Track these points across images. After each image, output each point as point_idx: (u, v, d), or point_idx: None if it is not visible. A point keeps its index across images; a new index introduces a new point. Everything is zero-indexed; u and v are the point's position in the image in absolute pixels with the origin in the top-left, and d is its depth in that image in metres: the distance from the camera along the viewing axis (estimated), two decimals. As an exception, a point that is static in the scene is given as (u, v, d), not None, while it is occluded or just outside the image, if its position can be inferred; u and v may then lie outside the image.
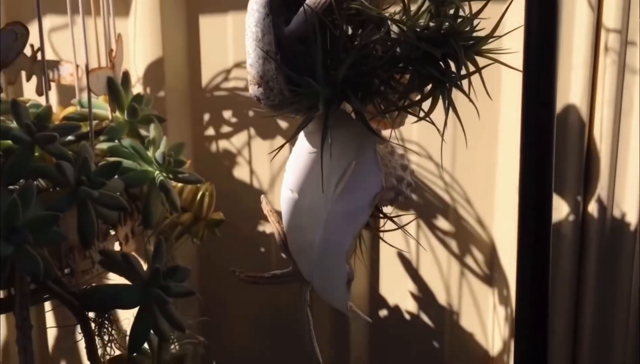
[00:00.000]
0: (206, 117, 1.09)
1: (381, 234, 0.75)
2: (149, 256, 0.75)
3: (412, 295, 1.10)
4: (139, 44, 1.04)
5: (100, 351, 0.64)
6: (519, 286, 0.66)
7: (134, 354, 0.60)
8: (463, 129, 0.64)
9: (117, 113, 0.72)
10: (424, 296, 1.10)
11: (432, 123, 0.63)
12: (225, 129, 1.09)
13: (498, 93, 0.98)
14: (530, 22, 0.59)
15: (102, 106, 0.73)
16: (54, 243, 0.56)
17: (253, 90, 0.63)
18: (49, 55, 0.94)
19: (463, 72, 0.62)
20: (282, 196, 0.72)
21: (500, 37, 0.62)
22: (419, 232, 1.07)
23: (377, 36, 0.59)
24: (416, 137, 1.02)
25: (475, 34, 0.62)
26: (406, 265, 1.09)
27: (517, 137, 0.66)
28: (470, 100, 0.62)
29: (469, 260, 1.07)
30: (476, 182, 1.04)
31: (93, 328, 0.63)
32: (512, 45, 0.65)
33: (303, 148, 0.69)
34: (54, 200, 0.57)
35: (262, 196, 0.77)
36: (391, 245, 0.84)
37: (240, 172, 1.09)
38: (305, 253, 0.70)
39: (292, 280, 0.74)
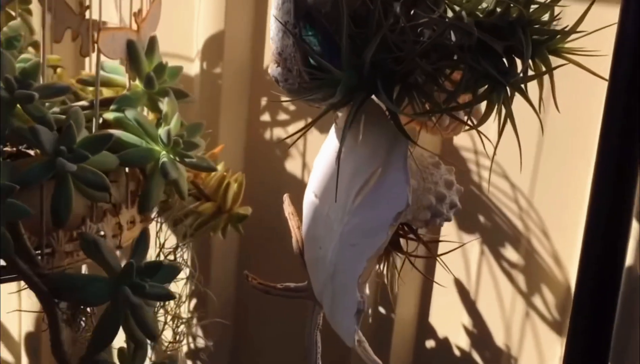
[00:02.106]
0: (264, 101, 1.00)
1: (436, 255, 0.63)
2: (162, 245, 0.67)
3: (466, 329, 0.96)
4: (202, 14, 0.96)
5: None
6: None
7: (95, 357, 0.51)
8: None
9: (138, 82, 0.64)
10: (480, 333, 0.96)
11: (480, 133, 0.50)
12: (283, 116, 0.99)
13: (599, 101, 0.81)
14: (625, 20, 0.45)
15: (122, 72, 0.65)
16: (9, 218, 0.48)
17: (272, 70, 0.52)
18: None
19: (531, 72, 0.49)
20: (305, 200, 0.62)
21: (587, 33, 0.48)
22: (481, 260, 0.93)
23: (424, 18, 0.47)
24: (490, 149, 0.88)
25: (553, 27, 0.48)
26: (463, 294, 0.96)
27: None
28: (535, 110, 0.49)
29: (537, 301, 0.92)
30: (559, 210, 0.88)
31: (64, 318, 0.56)
32: (601, 46, 0.51)
33: (331, 146, 0.58)
34: (25, 170, 0.50)
35: (285, 195, 0.67)
36: (446, 268, 0.71)
37: (292, 165, 0.99)
38: (317, 269, 0.59)
39: (305, 296, 0.64)
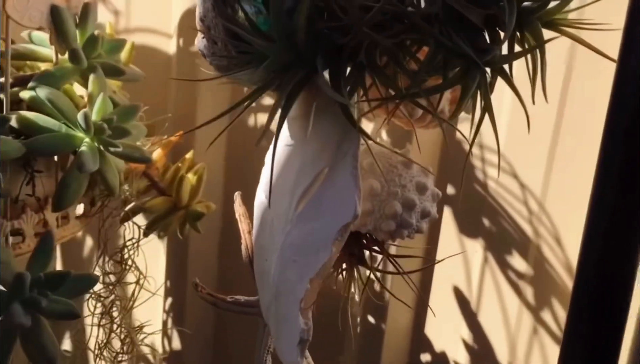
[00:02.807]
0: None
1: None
2: (102, 244, 0.58)
3: (465, 343, 0.85)
4: (181, -16, 0.86)
5: None
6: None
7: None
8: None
9: (66, 56, 0.54)
10: (481, 348, 0.85)
11: (456, 128, 0.39)
12: (269, 101, 0.89)
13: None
14: None
15: (47, 44, 0.56)
16: None
17: (197, 41, 0.42)
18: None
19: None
20: (255, 200, 0.52)
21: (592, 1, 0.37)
22: (484, 268, 0.82)
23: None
24: (502, 144, 0.76)
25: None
26: (463, 305, 0.85)
27: None
28: (521, 102, 0.38)
29: (546, 316, 0.81)
30: (573, 215, 0.76)
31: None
32: (612, 18, 0.39)
33: (282, 139, 0.48)
34: None
35: (237, 193, 0.57)
36: (412, 286, 0.60)
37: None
38: (264, 284, 0.49)
39: (255, 312, 0.54)
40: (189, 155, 0.69)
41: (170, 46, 0.87)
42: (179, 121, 0.80)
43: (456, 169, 0.79)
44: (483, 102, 0.38)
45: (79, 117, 0.48)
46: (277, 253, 0.45)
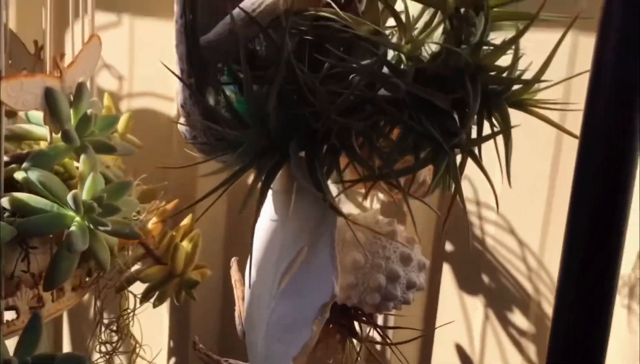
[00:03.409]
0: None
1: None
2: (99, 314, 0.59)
3: (469, 404, 0.84)
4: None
5: None
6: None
7: None
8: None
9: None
10: (486, 407, 0.84)
11: (428, 205, 0.40)
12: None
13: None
14: (599, 66, 0.34)
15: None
16: None
17: (180, 126, 0.44)
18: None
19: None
20: (246, 270, 0.53)
21: (555, 83, 0.38)
22: (485, 326, 0.81)
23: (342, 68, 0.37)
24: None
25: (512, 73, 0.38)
26: (466, 363, 0.84)
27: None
28: (489, 180, 0.38)
29: (551, 375, 0.80)
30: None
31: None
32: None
33: (267, 213, 0.49)
34: None
35: (233, 259, 0.58)
36: (402, 359, 0.60)
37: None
38: (253, 355, 0.49)
39: (246, 382, 0.54)
40: (185, 221, 0.70)
41: (172, 109, 0.89)
42: (180, 186, 0.81)
43: (454, 227, 0.79)
44: (453, 184, 0.38)
45: (69, 197, 0.50)
46: (263, 328, 0.45)
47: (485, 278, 0.81)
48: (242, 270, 0.62)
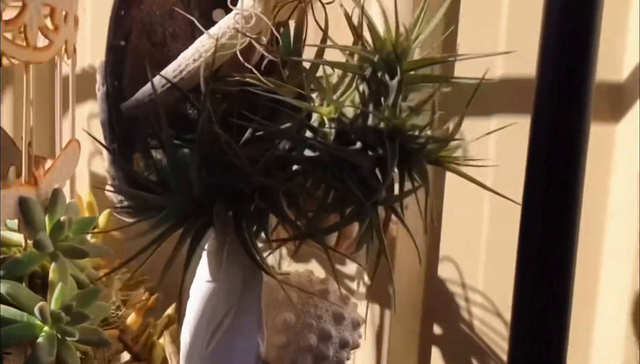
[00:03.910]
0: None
1: None
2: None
3: None
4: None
5: None
6: None
7: None
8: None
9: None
10: None
11: (363, 266, 0.41)
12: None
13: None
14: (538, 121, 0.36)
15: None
16: None
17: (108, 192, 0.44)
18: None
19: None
20: (181, 336, 0.52)
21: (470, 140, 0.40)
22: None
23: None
24: (482, 281, 0.74)
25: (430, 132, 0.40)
26: None
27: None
28: (412, 237, 0.39)
29: None
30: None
31: None
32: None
33: (203, 273, 0.49)
34: None
35: (165, 331, 0.57)
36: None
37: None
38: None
39: None
40: (168, 312, 0.69)
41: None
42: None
43: (440, 308, 0.76)
44: (377, 240, 0.39)
45: (36, 309, 0.49)
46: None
47: (475, 363, 0.78)
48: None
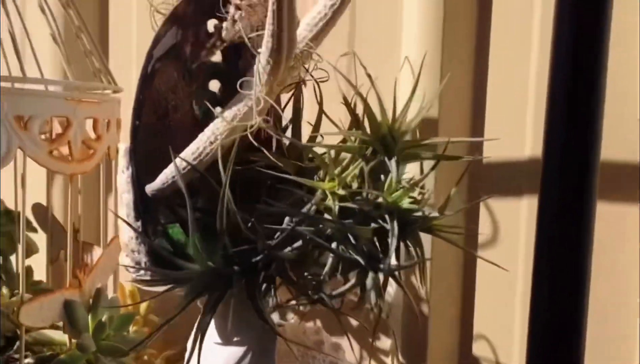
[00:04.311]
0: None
1: None
2: None
3: None
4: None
5: None
6: None
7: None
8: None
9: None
10: None
11: (366, 327, 0.45)
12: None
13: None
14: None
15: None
16: None
17: (122, 259, 0.47)
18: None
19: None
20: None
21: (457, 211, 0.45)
22: None
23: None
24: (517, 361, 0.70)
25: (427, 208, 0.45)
26: None
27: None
28: (410, 299, 0.44)
29: None
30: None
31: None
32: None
33: (210, 336, 0.52)
34: None
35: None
36: None
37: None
38: None
39: None
40: None
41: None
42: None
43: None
44: (379, 301, 0.44)
45: None
46: None
47: None
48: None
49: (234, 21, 0.47)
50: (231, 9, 0.46)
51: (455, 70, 0.62)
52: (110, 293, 0.62)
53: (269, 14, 0.39)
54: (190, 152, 0.44)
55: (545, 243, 0.43)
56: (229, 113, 0.46)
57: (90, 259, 0.63)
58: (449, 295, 0.64)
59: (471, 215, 0.62)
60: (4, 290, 0.64)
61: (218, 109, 0.47)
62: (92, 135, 0.57)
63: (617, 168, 0.60)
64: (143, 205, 0.43)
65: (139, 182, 0.43)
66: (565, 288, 0.42)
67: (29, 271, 0.64)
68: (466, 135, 0.62)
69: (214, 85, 0.56)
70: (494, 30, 0.63)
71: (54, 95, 0.55)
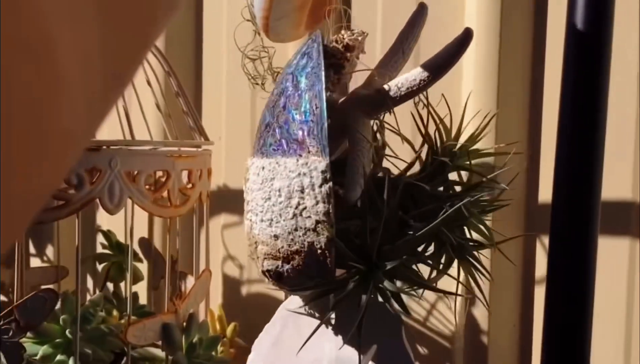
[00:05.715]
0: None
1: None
2: None
3: None
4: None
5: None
6: None
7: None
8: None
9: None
10: None
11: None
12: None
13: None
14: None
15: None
16: None
17: (270, 265, 0.53)
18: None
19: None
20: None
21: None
22: None
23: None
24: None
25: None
26: None
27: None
28: (481, 292, 0.60)
29: None
30: None
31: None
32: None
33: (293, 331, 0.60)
34: None
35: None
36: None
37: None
38: None
39: None
40: None
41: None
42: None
43: None
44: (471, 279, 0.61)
45: None
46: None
47: None
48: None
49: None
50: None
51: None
52: (201, 317, 0.72)
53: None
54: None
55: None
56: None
57: (184, 287, 0.74)
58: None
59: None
60: (115, 312, 0.74)
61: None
62: (187, 184, 0.68)
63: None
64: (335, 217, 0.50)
65: (335, 194, 0.50)
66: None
67: (135, 296, 0.74)
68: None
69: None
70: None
71: (156, 153, 0.65)
